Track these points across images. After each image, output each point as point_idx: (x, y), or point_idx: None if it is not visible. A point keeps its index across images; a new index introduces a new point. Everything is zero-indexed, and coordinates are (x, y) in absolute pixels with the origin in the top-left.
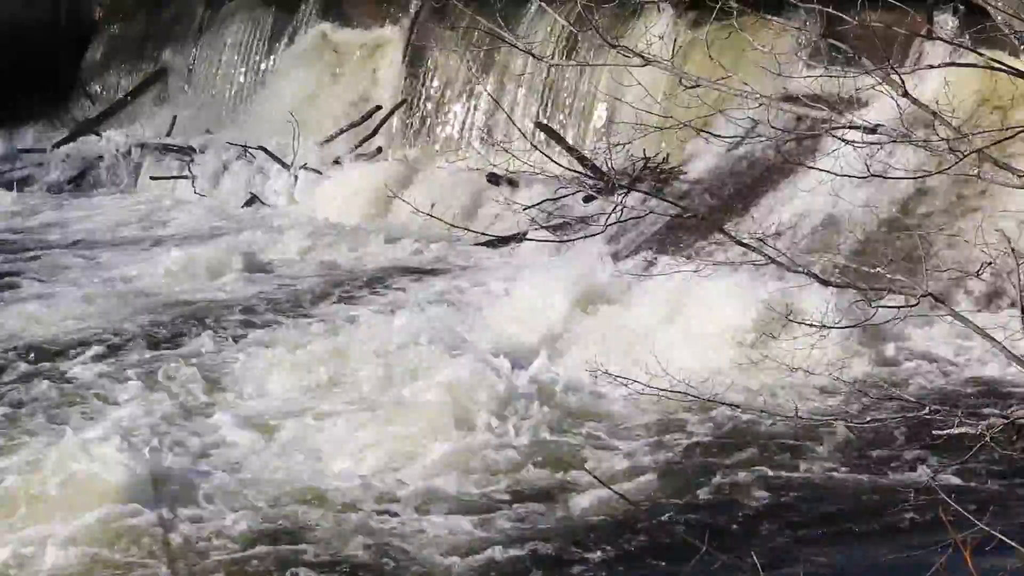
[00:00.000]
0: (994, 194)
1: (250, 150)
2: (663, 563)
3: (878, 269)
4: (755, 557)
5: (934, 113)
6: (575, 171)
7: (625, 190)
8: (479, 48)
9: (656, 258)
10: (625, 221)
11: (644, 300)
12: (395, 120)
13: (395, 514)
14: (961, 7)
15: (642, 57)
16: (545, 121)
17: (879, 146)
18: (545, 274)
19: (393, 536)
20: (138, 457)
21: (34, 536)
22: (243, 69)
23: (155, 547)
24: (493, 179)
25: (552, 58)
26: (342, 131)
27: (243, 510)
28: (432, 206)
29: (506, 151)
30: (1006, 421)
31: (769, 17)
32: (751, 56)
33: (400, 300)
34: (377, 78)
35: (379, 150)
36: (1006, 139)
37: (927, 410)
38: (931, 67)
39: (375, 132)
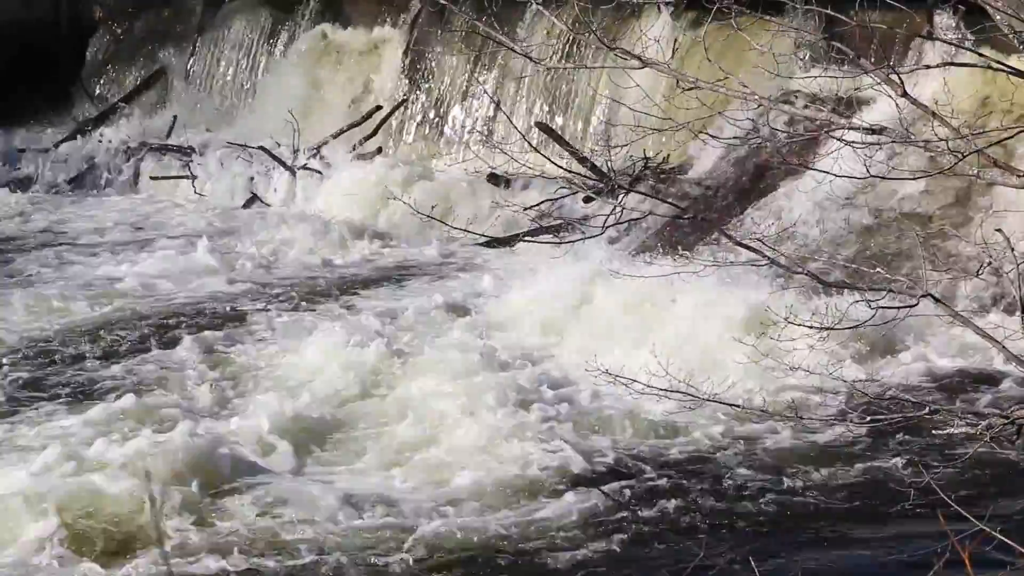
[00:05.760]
0: (994, 194)
1: (250, 150)
2: (660, 567)
3: (878, 269)
4: (752, 560)
5: (933, 113)
6: (575, 171)
7: (625, 191)
8: (479, 50)
9: (655, 258)
10: (625, 222)
11: (643, 301)
12: (395, 120)
13: (389, 506)
14: (961, 7)
15: (640, 59)
16: (545, 121)
17: (879, 147)
18: (544, 274)
19: (384, 529)
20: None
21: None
22: (243, 69)
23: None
24: (493, 179)
25: (551, 60)
26: (342, 131)
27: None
28: (432, 207)
29: (504, 152)
30: (1006, 421)
31: (768, 18)
32: (750, 57)
33: (398, 300)
34: (377, 78)
35: (379, 150)
36: (1006, 139)
37: (927, 410)
38: (930, 67)
39: (375, 132)
